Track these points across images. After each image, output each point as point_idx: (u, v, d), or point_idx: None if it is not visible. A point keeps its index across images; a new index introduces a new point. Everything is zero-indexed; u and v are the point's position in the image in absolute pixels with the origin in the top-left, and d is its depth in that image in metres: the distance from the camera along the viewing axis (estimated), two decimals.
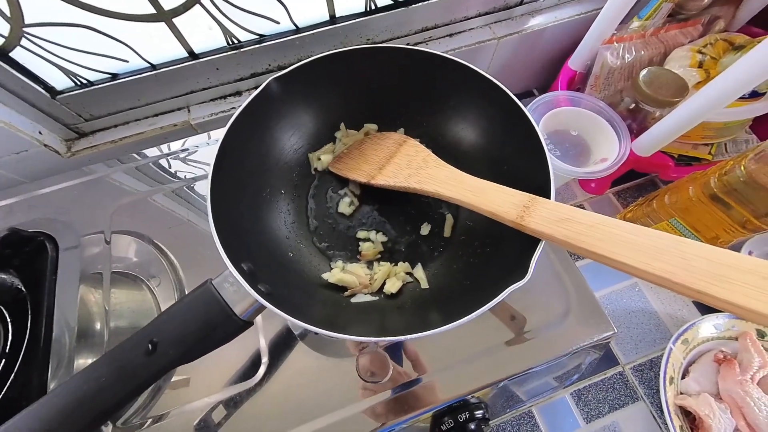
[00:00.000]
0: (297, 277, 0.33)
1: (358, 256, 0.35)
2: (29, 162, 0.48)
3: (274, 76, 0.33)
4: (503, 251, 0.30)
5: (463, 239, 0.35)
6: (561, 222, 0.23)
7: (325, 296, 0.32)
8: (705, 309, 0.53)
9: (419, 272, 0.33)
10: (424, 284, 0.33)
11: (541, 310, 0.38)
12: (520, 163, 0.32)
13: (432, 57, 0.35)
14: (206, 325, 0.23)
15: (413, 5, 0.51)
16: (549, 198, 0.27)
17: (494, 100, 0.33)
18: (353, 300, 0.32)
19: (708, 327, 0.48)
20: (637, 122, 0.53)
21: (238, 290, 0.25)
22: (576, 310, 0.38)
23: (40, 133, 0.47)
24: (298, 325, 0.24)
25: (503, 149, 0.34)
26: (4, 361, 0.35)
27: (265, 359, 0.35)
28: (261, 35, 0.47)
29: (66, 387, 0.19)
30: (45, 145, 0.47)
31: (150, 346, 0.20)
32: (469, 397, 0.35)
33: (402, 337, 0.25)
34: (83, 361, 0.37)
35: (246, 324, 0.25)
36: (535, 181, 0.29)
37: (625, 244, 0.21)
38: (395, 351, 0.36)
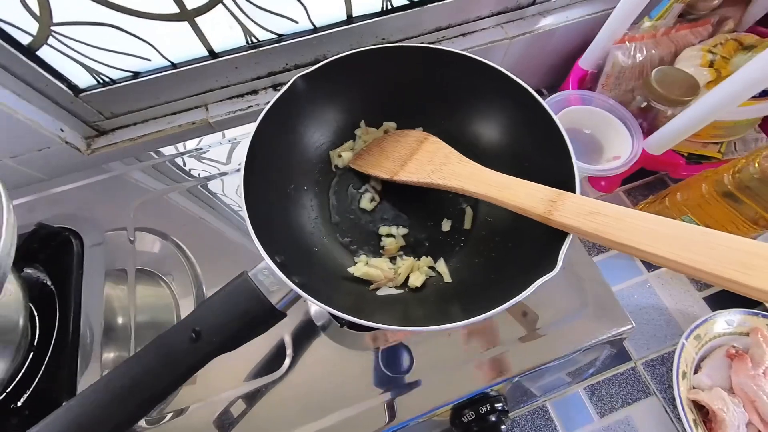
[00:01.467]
0: (322, 271, 0.33)
1: (381, 251, 0.36)
2: (51, 159, 0.48)
3: (300, 74, 0.33)
4: (526, 245, 0.31)
5: (483, 234, 0.35)
6: (589, 215, 0.24)
7: (350, 289, 0.33)
8: (716, 305, 0.54)
9: (442, 266, 0.34)
10: (447, 278, 0.33)
11: (558, 305, 0.38)
12: (542, 158, 0.32)
13: (452, 55, 0.35)
14: (246, 315, 0.23)
15: (427, 5, 0.51)
16: (574, 192, 0.27)
17: (514, 96, 0.34)
18: (378, 293, 0.33)
19: (720, 323, 0.49)
20: (648, 121, 0.54)
21: (273, 281, 0.25)
22: (592, 304, 0.38)
23: (61, 130, 0.48)
24: (331, 314, 0.25)
25: (524, 145, 0.35)
26: (32, 354, 0.36)
27: (289, 351, 0.36)
28: (280, 35, 0.48)
29: (118, 371, 0.20)
30: (66, 143, 0.48)
31: (194, 334, 0.21)
32: (489, 390, 0.35)
33: (426, 328, 0.25)
34: (110, 355, 0.38)
35: (281, 314, 0.26)
36: (559, 176, 0.29)
37: (654, 235, 0.21)
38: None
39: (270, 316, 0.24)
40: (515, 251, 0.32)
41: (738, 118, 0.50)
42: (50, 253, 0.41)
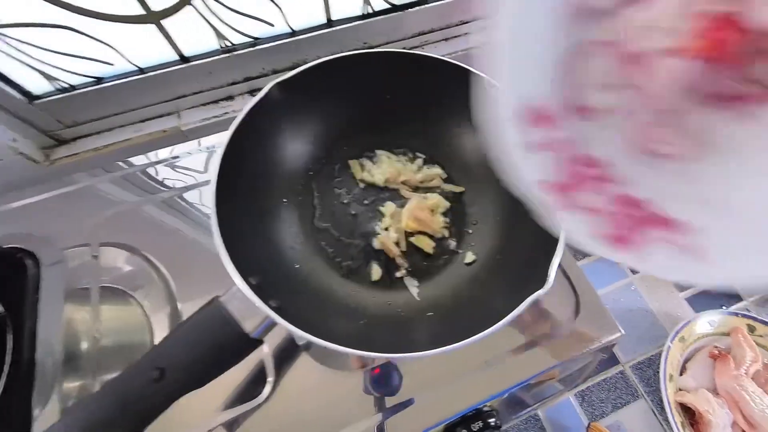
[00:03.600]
0: (304, 290, 0.32)
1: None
2: (3, 172, 0.44)
3: (276, 80, 0.31)
4: (515, 258, 0.30)
5: (472, 246, 0.34)
6: None
7: (336, 308, 0.31)
8: (697, 306, 0.55)
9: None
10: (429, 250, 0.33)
11: (545, 314, 0.37)
12: None
13: (434, 61, 0.34)
14: (216, 347, 0.21)
15: (410, 9, 0.50)
16: None
17: None
18: (398, 275, 0.33)
19: (703, 324, 0.49)
20: None
21: (248, 307, 0.23)
22: (582, 313, 0.38)
23: (14, 140, 0.44)
24: (309, 340, 0.23)
25: None
26: None
27: (270, 376, 0.34)
28: (255, 38, 0.46)
29: (65, 422, 0.17)
30: (20, 153, 0.44)
31: (157, 372, 0.19)
32: (481, 405, 0.34)
33: (420, 354, 0.24)
34: (70, 385, 0.35)
35: (257, 342, 0.23)
36: None
37: None
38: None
39: (244, 345, 0.22)
40: (504, 264, 0.31)
41: None
42: (1, 277, 0.37)
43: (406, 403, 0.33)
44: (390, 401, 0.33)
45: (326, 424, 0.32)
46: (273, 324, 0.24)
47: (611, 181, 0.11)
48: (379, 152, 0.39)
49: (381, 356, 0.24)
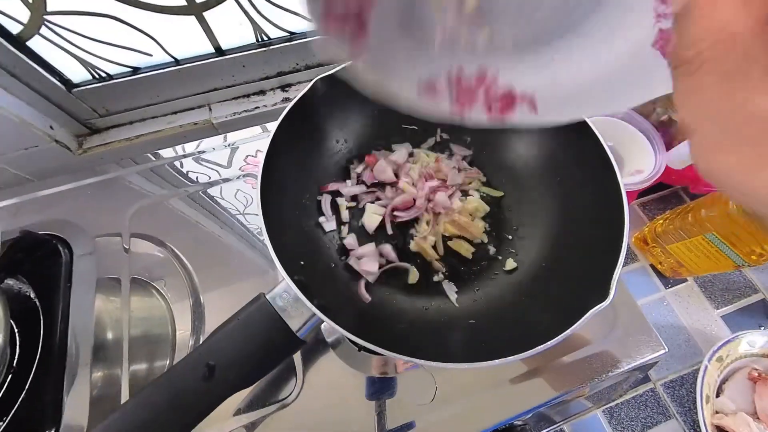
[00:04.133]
0: (341, 288, 0.31)
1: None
2: (38, 158, 0.45)
3: (321, 75, 0.31)
4: (568, 268, 0.28)
5: (516, 255, 0.33)
6: None
7: (373, 309, 0.30)
8: (734, 324, 0.52)
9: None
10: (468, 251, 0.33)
11: (585, 327, 0.36)
12: (580, 172, 0.30)
13: None
14: (265, 345, 0.20)
15: None
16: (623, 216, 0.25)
17: None
18: (435, 279, 0.32)
19: (743, 344, 0.47)
20: (668, 134, 0.52)
21: (293, 305, 0.23)
22: (621, 326, 0.36)
23: (51, 127, 0.44)
24: (358, 343, 0.22)
25: (561, 159, 0.32)
26: (11, 376, 0.32)
27: (300, 379, 0.33)
28: (291, 33, 0.46)
29: (118, 417, 0.17)
30: (56, 141, 0.44)
31: (207, 370, 0.18)
32: (515, 420, 0.33)
33: (468, 365, 0.22)
34: (99, 375, 0.34)
35: (301, 343, 0.23)
36: (603, 193, 0.27)
37: None
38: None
39: (291, 345, 0.22)
40: (551, 274, 0.29)
41: None
42: (35, 263, 0.37)
43: (440, 412, 0.32)
44: (424, 409, 0.32)
45: (355, 422, 0.31)
46: (318, 324, 0.23)
47: (488, 82, 0.17)
48: (416, 151, 0.38)
49: (424, 363, 0.23)
